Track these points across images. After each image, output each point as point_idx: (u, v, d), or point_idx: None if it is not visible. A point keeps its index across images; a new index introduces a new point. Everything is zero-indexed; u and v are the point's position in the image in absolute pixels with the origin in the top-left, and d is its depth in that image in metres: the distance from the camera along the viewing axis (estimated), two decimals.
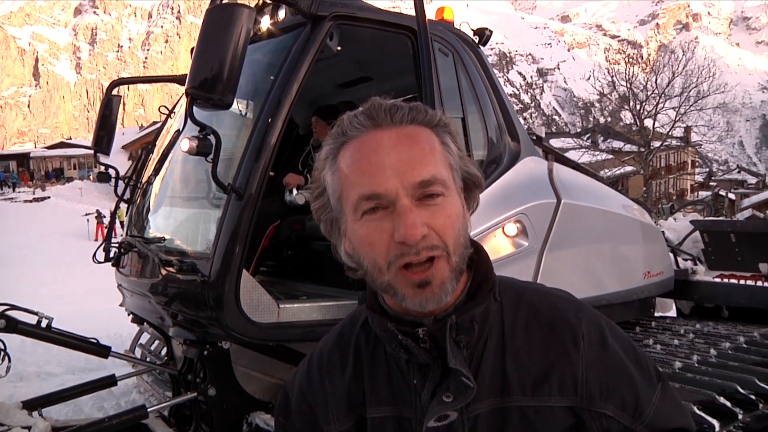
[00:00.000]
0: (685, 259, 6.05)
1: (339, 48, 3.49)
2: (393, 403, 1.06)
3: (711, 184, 54.97)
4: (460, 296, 1.03)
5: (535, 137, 4.62)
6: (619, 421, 1.00)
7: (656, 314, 5.34)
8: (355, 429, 1.09)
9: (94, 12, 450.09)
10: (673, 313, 6.38)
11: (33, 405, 3.72)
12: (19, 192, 50.33)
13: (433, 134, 1.01)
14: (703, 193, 48.81)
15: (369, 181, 0.96)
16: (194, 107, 2.65)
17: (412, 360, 1.02)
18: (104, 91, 4.76)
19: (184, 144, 2.72)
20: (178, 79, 4.65)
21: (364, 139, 0.98)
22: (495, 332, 1.03)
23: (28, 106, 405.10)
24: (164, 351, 4.35)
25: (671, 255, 5.65)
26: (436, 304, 0.97)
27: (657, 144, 37.13)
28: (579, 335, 1.01)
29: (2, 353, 3.37)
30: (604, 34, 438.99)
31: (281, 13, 3.42)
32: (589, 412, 0.97)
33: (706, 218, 8.55)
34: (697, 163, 59.36)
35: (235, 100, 2.72)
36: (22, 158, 69.11)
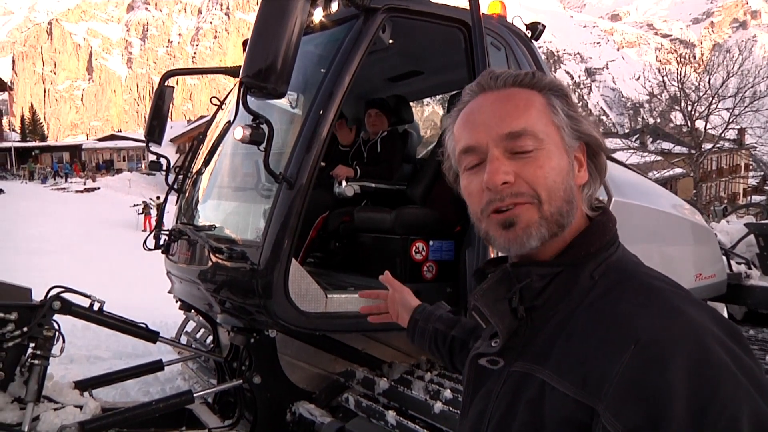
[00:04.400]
0: (739, 263, 5.87)
1: (391, 41, 3.48)
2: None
3: (766, 188, 53.16)
4: (552, 256, 1.05)
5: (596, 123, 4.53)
6: None
7: None
8: None
9: (146, 8, 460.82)
10: None
11: (84, 386, 3.83)
12: (71, 182, 51.78)
13: (537, 95, 1.05)
14: (756, 198, 47.30)
15: (466, 136, 1.06)
16: (248, 96, 2.67)
17: None
18: (154, 85, 4.86)
19: (238, 132, 2.75)
20: (230, 71, 4.71)
21: (473, 103, 1.08)
22: (568, 308, 0.98)
23: (82, 100, 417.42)
24: (209, 339, 4.42)
25: (724, 258, 5.49)
26: (520, 247, 1.01)
27: (708, 146, 36.11)
28: (632, 339, 0.86)
29: (57, 333, 3.46)
30: (656, 33, 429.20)
31: (334, 5, 3.43)
32: (599, 420, 0.86)
33: (762, 221, 8.27)
34: (751, 167, 57.46)
35: (287, 91, 2.74)
36: (75, 149, 71.10)
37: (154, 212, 31.27)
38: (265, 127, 2.74)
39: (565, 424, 0.90)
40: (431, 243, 3.73)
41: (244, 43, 2.85)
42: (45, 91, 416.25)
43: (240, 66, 2.72)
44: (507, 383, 1.01)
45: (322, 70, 3.32)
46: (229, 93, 4.79)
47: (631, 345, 0.85)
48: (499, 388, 1.02)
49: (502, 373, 1.03)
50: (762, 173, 54.75)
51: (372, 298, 1.79)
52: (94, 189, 47.14)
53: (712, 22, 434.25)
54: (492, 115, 1.03)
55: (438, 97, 6.02)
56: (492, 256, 1.21)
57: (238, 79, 2.83)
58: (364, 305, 1.81)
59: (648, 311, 0.89)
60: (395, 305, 1.71)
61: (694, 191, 35.01)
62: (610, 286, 0.98)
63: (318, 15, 3.43)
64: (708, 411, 0.78)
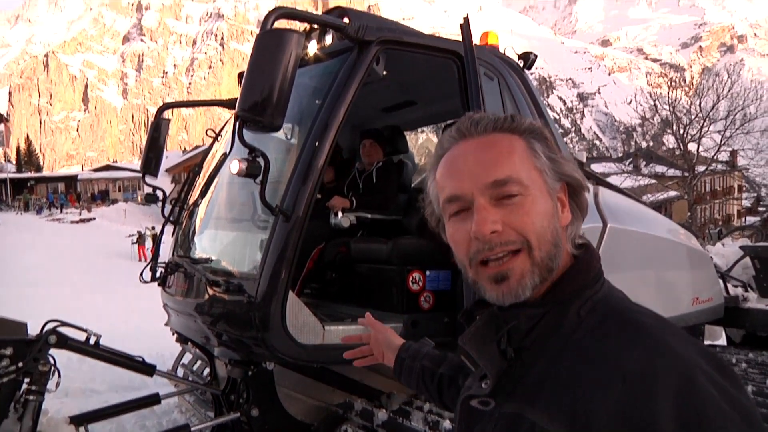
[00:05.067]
0: (735, 286, 5.87)
1: (385, 72, 3.52)
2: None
3: (760, 209, 53.37)
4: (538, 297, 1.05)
5: (576, 162, 4.57)
6: None
7: (705, 342, 5.18)
8: None
9: (141, 39, 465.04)
10: (722, 341, 6.19)
11: (79, 420, 3.77)
12: (66, 213, 51.68)
13: (518, 139, 1.06)
14: (750, 219, 47.46)
15: (450, 185, 1.06)
16: (244, 130, 2.70)
17: None
18: (149, 115, 4.90)
19: (234, 166, 2.76)
20: (226, 103, 4.75)
21: (454, 150, 1.08)
22: (556, 348, 0.98)
23: (77, 130, 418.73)
24: (206, 371, 4.38)
25: (720, 281, 5.49)
26: (514, 298, 1.01)
27: (701, 168, 36.33)
28: (618, 374, 0.87)
29: (53, 368, 3.43)
30: (646, 58, 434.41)
31: (328, 38, 3.47)
32: None
33: (757, 243, 8.29)
34: (744, 188, 57.81)
35: (283, 124, 2.77)
36: (70, 180, 71.20)
37: (148, 242, 31.21)
38: (260, 160, 2.76)
39: None
40: (428, 273, 3.72)
41: (239, 75, 2.89)
42: (41, 122, 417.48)
43: (235, 98, 2.75)
44: (499, 424, 1.01)
45: (317, 101, 3.35)
46: (225, 124, 4.81)
47: (618, 382, 0.86)
48: (491, 429, 1.02)
49: (494, 414, 1.02)
50: (755, 194, 54.99)
51: (355, 342, 1.78)
52: (89, 219, 47.05)
53: (700, 46, 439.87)
54: (476, 163, 1.03)
55: (432, 126, 6.07)
56: None
57: (233, 112, 2.85)
58: (353, 343, 1.79)
59: (634, 347, 0.90)
60: (379, 346, 1.70)
61: (689, 213, 35.16)
62: (596, 324, 0.98)
63: (312, 48, 3.47)
64: None
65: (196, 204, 4.38)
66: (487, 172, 1.02)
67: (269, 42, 2.72)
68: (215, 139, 4.78)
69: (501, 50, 4.15)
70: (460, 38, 3.41)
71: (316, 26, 3.46)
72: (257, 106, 2.63)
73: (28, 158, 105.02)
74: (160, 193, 4.73)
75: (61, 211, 52.92)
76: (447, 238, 1.11)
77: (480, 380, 1.06)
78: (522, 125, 1.07)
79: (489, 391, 1.02)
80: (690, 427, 0.80)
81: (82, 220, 46.42)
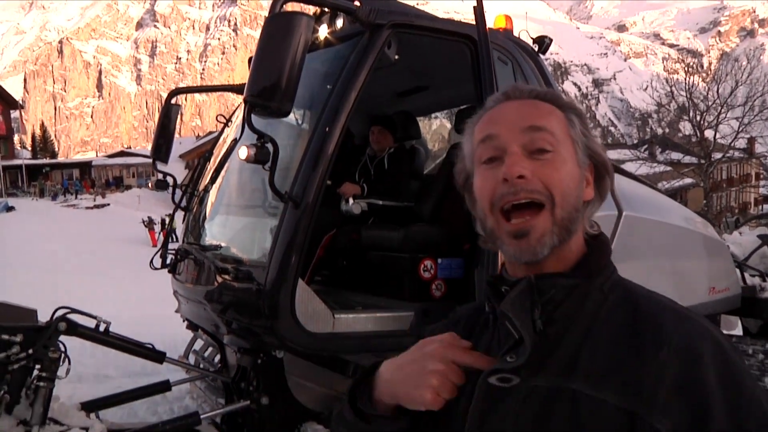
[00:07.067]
0: (752, 275, 5.77)
1: (396, 56, 3.46)
2: None
3: None
4: (567, 269, 1.06)
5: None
6: None
7: None
8: None
9: (155, 26, 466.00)
10: (738, 331, 6.11)
11: (91, 407, 3.79)
12: (81, 199, 52.00)
13: (557, 110, 1.10)
14: None
15: (486, 128, 1.09)
16: (252, 115, 2.65)
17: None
18: (163, 101, 4.85)
19: (242, 152, 2.72)
20: (236, 88, 4.70)
21: (496, 108, 1.11)
22: (587, 320, 1.01)
23: (91, 117, 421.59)
24: (218, 358, 4.39)
25: (737, 271, 5.41)
26: (531, 256, 1.02)
27: (718, 155, 35.92)
28: (665, 342, 0.92)
29: (63, 355, 3.43)
30: (663, 43, 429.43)
31: (339, 22, 3.42)
32: (644, 422, 0.88)
33: None
34: (761, 176, 57.04)
35: (293, 109, 2.72)
36: (85, 167, 71.57)
37: (157, 228, 31.37)
38: (269, 146, 2.72)
39: None
40: (440, 261, 3.68)
41: (250, 60, 2.84)
42: (56, 109, 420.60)
43: (245, 83, 2.70)
44: (530, 400, 0.97)
45: (327, 87, 3.29)
46: (235, 110, 4.78)
47: (664, 348, 0.92)
48: (518, 406, 0.98)
49: (521, 391, 0.98)
50: None
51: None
52: (104, 205, 47.33)
53: (719, 31, 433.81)
54: (516, 114, 1.07)
55: (445, 111, 6.00)
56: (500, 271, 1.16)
57: (243, 97, 2.81)
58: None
59: (667, 317, 0.97)
60: None
61: (705, 201, 34.80)
62: (621, 299, 1.03)
63: (323, 32, 3.41)
64: (739, 403, 0.89)
65: (206, 190, 4.35)
66: (524, 119, 1.06)
67: (278, 25, 2.66)
68: (225, 124, 4.75)
69: (515, 34, 4.08)
70: (473, 22, 3.34)
71: (326, 9, 3.41)
72: (266, 91, 2.58)
73: (43, 144, 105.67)
74: (170, 180, 4.71)
75: (76, 197, 53.29)
76: (474, 189, 1.11)
77: (506, 354, 1.00)
78: (563, 100, 1.12)
79: (524, 361, 0.96)
80: (727, 386, 0.89)
81: (97, 206, 46.70)
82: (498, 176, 1.03)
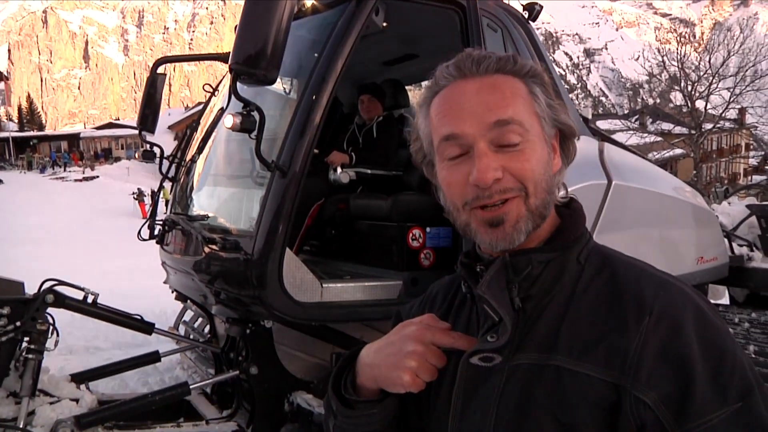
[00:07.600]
0: (741, 245, 5.81)
1: (385, 24, 3.41)
2: None
3: (766, 168, 52.93)
4: (541, 242, 1.05)
5: (581, 119, 4.48)
6: (657, 416, 0.87)
7: None
8: None
9: None
10: (725, 300, 6.17)
11: (81, 378, 3.80)
12: (69, 171, 51.66)
13: (519, 82, 1.03)
14: (757, 177, 47.20)
15: (449, 123, 1.02)
16: (238, 83, 2.61)
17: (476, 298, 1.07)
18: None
19: (228, 120, 2.69)
20: (223, 57, 4.63)
21: (451, 88, 1.04)
22: (565, 293, 1.00)
23: (79, 88, 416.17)
24: (207, 328, 4.39)
25: (726, 240, 5.44)
26: (508, 244, 1.00)
27: (709, 126, 35.93)
28: (646, 311, 0.91)
29: (51, 327, 3.42)
30: (655, 13, 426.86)
31: None
32: (629, 394, 0.88)
33: (764, 202, 8.21)
34: (751, 146, 57.14)
35: (279, 77, 2.68)
36: (73, 138, 70.87)
37: (147, 200, 31.21)
38: (256, 114, 2.68)
39: (592, 407, 0.90)
40: (428, 230, 3.67)
41: (235, 28, 2.78)
42: (42, 81, 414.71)
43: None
44: (513, 378, 0.97)
45: (314, 54, 3.24)
46: (222, 79, 4.71)
47: (646, 317, 0.91)
48: (501, 385, 0.98)
49: (503, 369, 0.98)
50: (763, 153, 54.47)
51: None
52: (92, 178, 47.04)
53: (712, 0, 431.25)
54: (478, 104, 1.00)
55: None
56: None
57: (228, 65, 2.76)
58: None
59: (647, 284, 0.96)
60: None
61: (695, 172, 34.90)
62: (598, 268, 1.02)
63: None
64: (722, 369, 0.88)
65: (193, 160, 4.31)
66: (490, 112, 0.99)
67: None
68: (212, 93, 4.69)
69: (506, 1, 4.02)
70: None
71: None
72: (251, 59, 2.54)
73: (30, 117, 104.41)
74: (157, 150, 4.65)
75: (65, 170, 52.93)
76: (436, 177, 1.08)
77: (486, 333, 1.00)
78: (524, 68, 1.05)
79: (505, 342, 0.97)
80: (709, 348, 0.89)
81: (86, 179, 46.42)
82: (466, 173, 0.99)
